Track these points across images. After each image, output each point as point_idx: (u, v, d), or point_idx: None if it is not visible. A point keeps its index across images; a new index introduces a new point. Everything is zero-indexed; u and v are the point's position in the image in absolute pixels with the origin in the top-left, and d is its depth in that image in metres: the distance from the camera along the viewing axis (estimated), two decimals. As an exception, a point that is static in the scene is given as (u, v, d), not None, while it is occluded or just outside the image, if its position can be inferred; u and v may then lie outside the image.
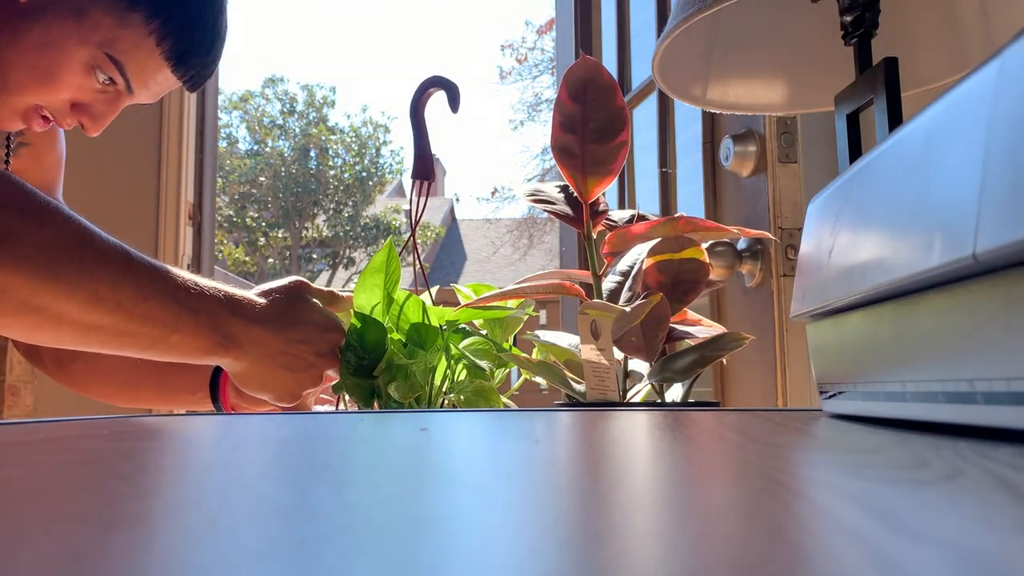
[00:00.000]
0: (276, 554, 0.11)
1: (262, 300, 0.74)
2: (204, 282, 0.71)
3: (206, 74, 0.81)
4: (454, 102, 0.81)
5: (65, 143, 0.95)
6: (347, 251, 16.31)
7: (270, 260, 15.96)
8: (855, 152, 0.67)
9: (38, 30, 0.73)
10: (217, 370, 0.86)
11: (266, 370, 0.72)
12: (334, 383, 0.77)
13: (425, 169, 0.83)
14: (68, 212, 0.65)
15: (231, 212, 15.72)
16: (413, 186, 0.84)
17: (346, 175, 16.75)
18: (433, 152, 0.83)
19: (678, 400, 0.74)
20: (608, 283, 0.75)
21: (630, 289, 0.73)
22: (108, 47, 0.75)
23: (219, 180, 15.16)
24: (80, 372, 0.91)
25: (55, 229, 0.63)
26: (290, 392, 0.75)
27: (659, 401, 0.74)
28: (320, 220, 16.49)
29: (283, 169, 16.34)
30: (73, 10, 0.74)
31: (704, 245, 0.73)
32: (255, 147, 16.66)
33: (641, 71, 1.71)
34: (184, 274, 0.70)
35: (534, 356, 0.77)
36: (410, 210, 0.82)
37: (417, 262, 0.84)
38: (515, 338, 0.84)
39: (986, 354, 0.24)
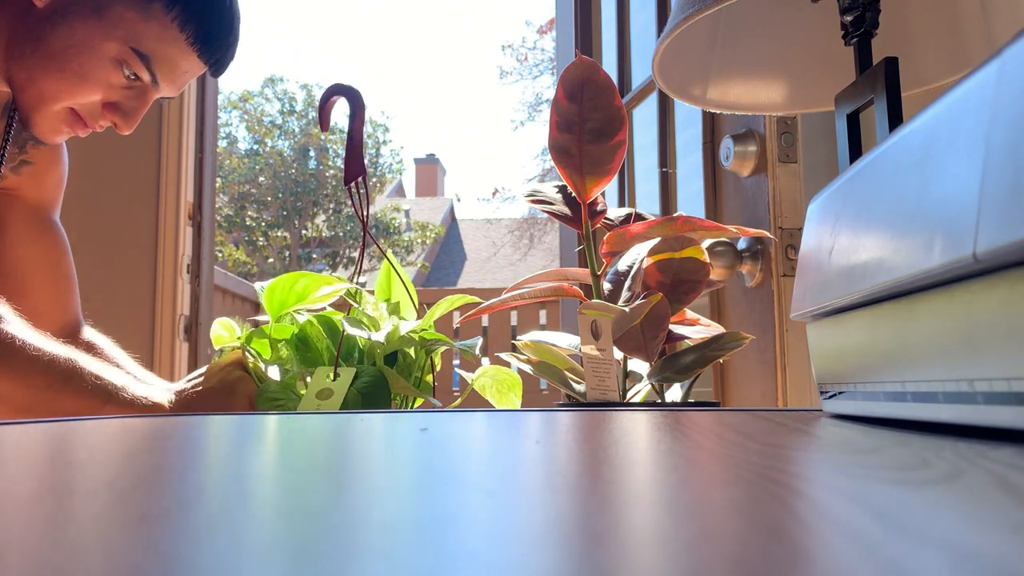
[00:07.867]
0: (277, 554, 0.11)
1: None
2: (127, 377, 0.77)
3: (229, 57, 0.82)
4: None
5: (67, 163, 0.95)
6: (347, 251, 16.30)
7: (270, 260, 15.95)
8: (855, 152, 0.67)
9: (62, 33, 0.74)
10: None
11: (199, 398, 0.76)
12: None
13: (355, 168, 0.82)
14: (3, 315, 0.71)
15: (231, 212, 15.71)
16: (356, 187, 0.84)
17: (346, 174, 16.64)
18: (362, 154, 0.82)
19: (678, 400, 0.74)
20: (608, 283, 0.75)
21: (630, 289, 0.73)
22: (134, 41, 0.75)
23: (219, 180, 15.13)
24: None
25: None
26: (228, 403, 0.76)
27: (659, 401, 0.74)
28: (320, 220, 16.47)
29: (283, 169, 16.32)
30: (93, 8, 0.74)
31: (704, 245, 0.73)
32: (255, 147, 16.65)
33: (641, 71, 1.71)
34: (109, 369, 0.76)
35: (534, 357, 0.77)
36: (358, 213, 0.81)
37: (360, 272, 0.85)
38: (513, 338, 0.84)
39: (986, 354, 0.24)
